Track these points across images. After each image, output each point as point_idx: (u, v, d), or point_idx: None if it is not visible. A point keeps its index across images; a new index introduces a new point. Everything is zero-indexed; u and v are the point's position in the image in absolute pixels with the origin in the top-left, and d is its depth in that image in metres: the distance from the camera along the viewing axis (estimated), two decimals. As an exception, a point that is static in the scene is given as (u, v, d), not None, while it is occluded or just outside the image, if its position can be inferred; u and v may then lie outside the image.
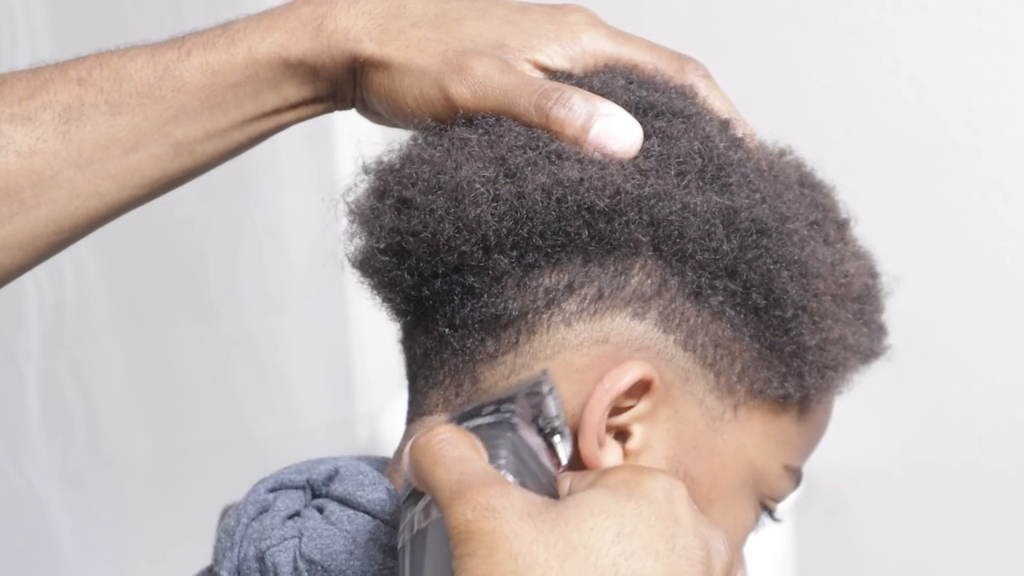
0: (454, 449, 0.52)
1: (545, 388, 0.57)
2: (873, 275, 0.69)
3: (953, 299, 1.31)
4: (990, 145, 1.29)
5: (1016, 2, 1.26)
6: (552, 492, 0.54)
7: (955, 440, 1.37)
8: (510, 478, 0.52)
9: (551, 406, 0.57)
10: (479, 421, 0.55)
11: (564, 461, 0.57)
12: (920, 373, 1.33)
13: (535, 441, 0.56)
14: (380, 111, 0.68)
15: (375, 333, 1.71)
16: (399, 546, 0.54)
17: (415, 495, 0.54)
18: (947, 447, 1.38)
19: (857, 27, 1.36)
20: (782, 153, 0.70)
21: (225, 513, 0.69)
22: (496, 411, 0.56)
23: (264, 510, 0.64)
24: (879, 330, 0.70)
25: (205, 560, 0.72)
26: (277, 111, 0.69)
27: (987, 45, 1.28)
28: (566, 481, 0.56)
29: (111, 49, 0.68)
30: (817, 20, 1.40)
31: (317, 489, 0.64)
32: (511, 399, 0.56)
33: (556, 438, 0.57)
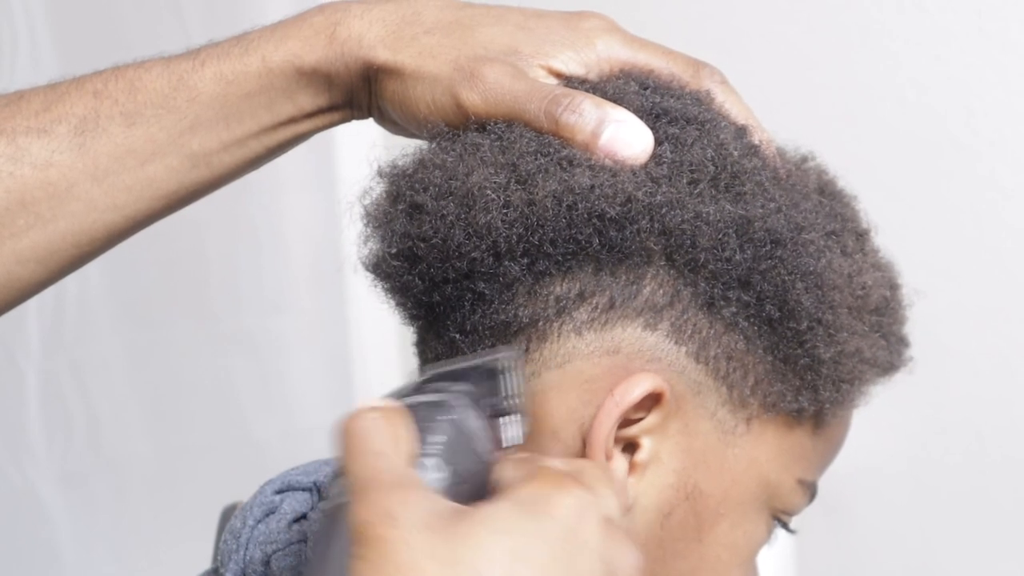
0: (374, 440, 0.50)
1: (499, 366, 0.56)
2: (892, 287, 0.68)
3: (953, 299, 1.31)
4: (990, 145, 1.29)
5: (1016, 2, 1.26)
6: (484, 479, 0.53)
7: (955, 439, 1.36)
8: (438, 465, 0.51)
9: (502, 386, 0.56)
10: (421, 399, 0.54)
11: (508, 443, 0.56)
12: (920, 372, 1.33)
13: (476, 424, 0.54)
14: (396, 119, 0.67)
15: (375, 333, 1.70)
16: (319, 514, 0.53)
17: None
18: (947, 446, 1.37)
19: (857, 27, 1.36)
20: (804, 159, 0.69)
21: (226, 513, 0.69)
22: (440, 390, 0.55)
23: (271, 512, 0.64)
24: (899, 342, 0.68)
25: (205, 560, 0.72)
26: (293, 120, 0.69)
27: (987, 45, 1.28)
28: (506, 466, 0.54)
29: (128, 62, 0.68)
30: (817, 20, 1.39)
31: (324, 491, 0.64)
32: (463, 376, 0.55)
33: (501, 420, 0.56)
